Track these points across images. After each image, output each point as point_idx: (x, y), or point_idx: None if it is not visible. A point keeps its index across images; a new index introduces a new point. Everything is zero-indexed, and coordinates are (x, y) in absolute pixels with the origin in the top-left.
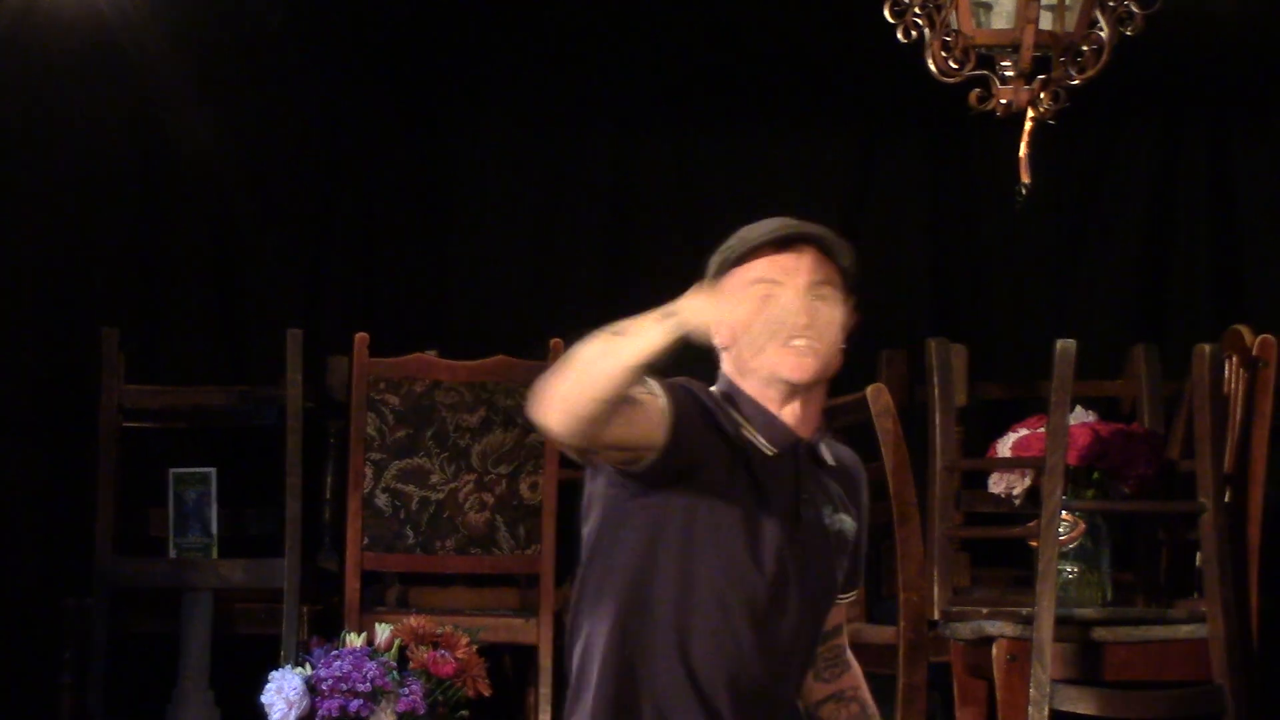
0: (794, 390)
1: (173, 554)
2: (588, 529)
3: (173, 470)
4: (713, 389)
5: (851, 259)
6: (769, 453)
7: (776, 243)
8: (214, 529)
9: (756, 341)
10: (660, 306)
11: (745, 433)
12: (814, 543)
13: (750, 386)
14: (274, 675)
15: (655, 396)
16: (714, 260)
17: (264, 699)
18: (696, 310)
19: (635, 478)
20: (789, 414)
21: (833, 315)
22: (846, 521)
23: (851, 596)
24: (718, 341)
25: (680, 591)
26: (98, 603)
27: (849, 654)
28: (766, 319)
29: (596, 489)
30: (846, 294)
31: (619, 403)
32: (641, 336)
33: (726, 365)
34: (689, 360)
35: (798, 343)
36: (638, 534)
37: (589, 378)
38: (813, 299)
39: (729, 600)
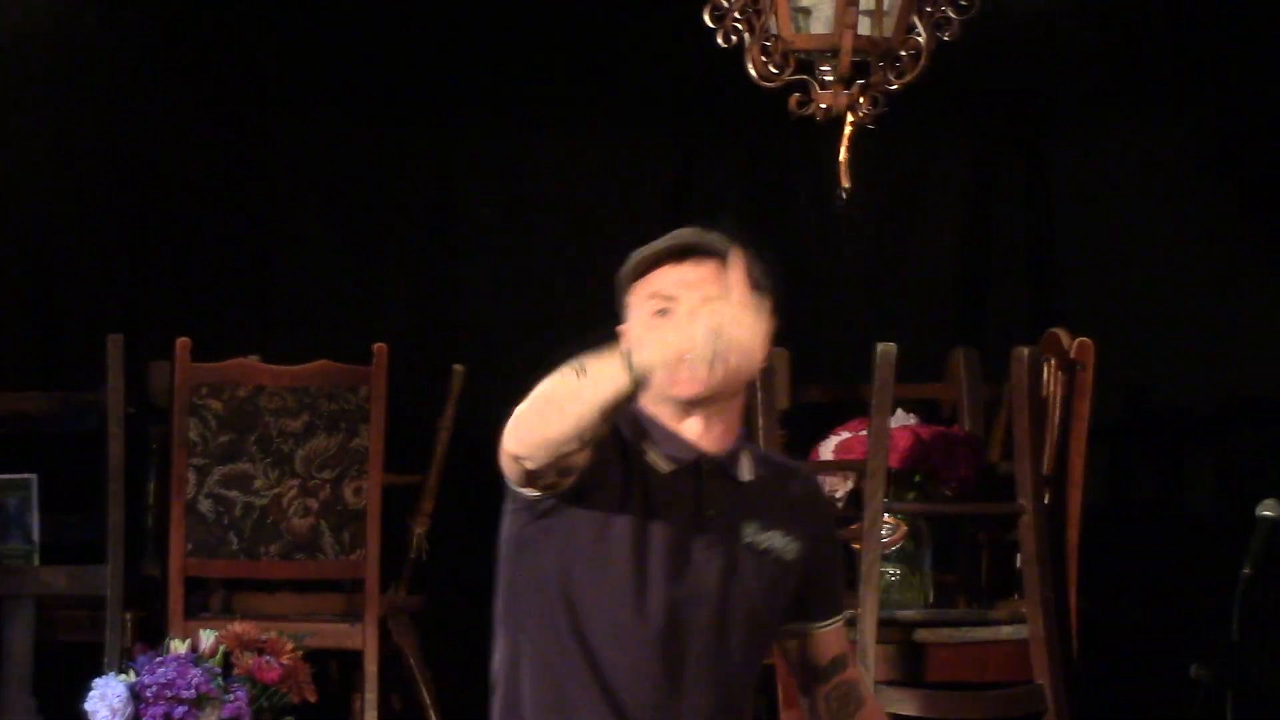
0: (689, 406)
1: None
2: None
3: None
4: None
5: (762, 270)
6: (664, 469)
7: (674, 255)
8: (35, 536)
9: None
10: (620, 346)
11: (642, 450)
12: (728, 562)
13: (650, 403)
14: (97, 683)
15: None
16: (620, 275)
17: (87, 706)
18: (646, 353)
19: (543, 500)
20: (690, 430)
21: None
22: (778, 539)
23: (832, 624)
24: None
25: (576, 619)
26: None
27: (863, 690)
28: (656, 337)
29: (509, 519)
30: (756, 303)
31: (590, 440)
32: (605, 381)
33: None
34: None
35: (687, 359)
36: (532, 560)
37: (559, 418)
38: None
39: (623, 625)
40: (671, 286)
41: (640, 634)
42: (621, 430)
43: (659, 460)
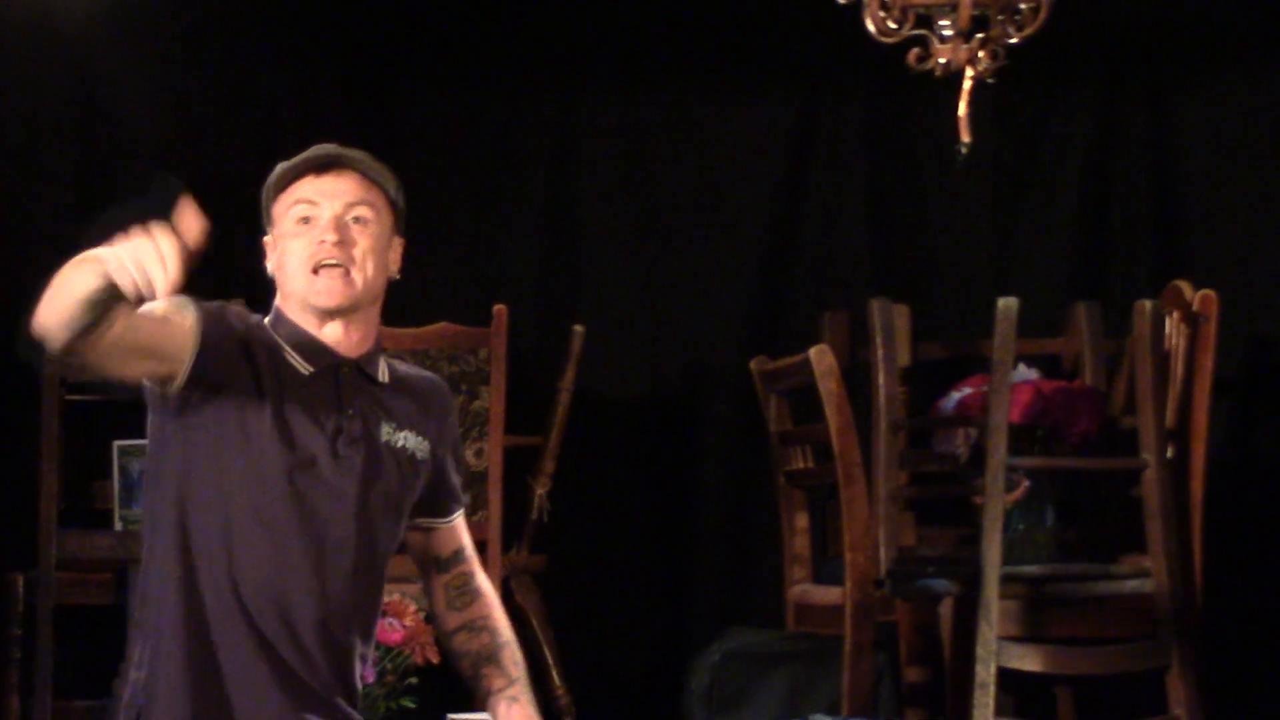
0: (329, 314)
1: (118, 526)
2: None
3: (117, 443)
4: (267, 318)
5: (397, 185)
6: (305, 372)
7: (316, 167)
8: None
9: (290, 266)
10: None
11: (284, 355)
12: (368, 459)
13: (291, 310)
14: None
15: (185, 319)
16: (265, 187)
17: None
18: (119, 263)
19: (169, 396)
20: (330, 335)
21: (370, 238)
22: (412, 439)
23: (453, 519)
24: (269, 267)
25: (218, 509)
26: (42, 576)
27: (479, 581)
28: (299, 244)
29: (149, 419)
30: (394, 220)
31: (98, 328)
32: (81, 276)
33: (278, 291)
34: None
35: (328, 267)
36: (176, 457)
37: (55, 304)
38: (349, 221)
39: (267, 517)
40: (314, 194)
41: (283, 526)
42: (256, 338)
43: (299, 363)
